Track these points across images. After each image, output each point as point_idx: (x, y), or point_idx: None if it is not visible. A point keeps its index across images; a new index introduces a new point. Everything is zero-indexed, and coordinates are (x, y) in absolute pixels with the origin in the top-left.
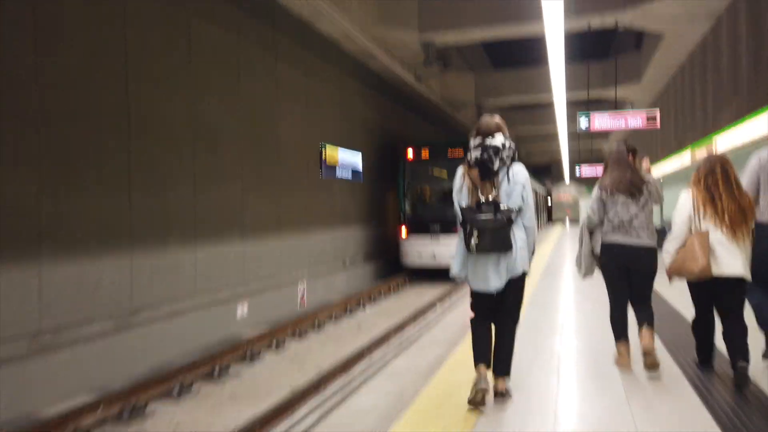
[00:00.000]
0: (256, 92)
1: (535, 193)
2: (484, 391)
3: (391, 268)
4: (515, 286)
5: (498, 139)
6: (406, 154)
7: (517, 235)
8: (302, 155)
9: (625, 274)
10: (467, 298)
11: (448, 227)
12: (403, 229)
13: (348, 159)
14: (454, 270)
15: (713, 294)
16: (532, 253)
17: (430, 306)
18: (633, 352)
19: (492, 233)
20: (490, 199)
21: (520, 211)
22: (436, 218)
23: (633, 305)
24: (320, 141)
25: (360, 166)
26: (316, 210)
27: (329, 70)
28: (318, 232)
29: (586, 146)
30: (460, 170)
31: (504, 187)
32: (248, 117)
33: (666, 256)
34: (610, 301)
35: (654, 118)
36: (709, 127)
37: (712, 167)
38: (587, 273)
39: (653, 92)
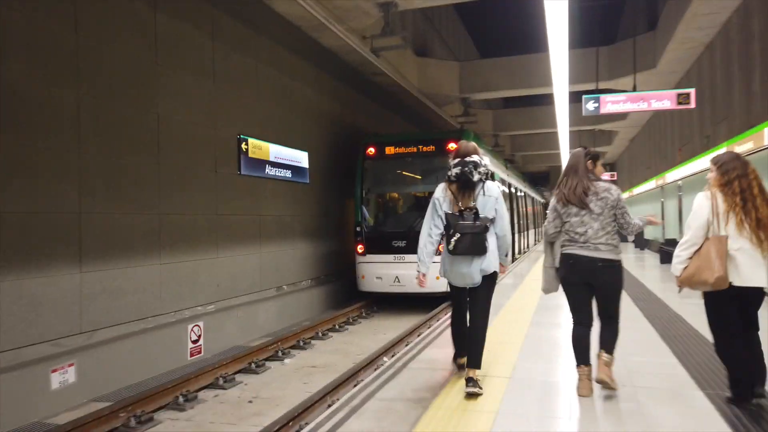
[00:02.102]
0: (115, 51)
1: (532, 201)
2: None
3: (350, 294)
4: (486, 284)
5: (475, 158)
6: (365, 149)
7: (490, 241)
8: (207, 146)
9: (586, 288)
10: (442, 339)
11: (416, 244)
12: (360, 245)
13: (287, 155)
14: (442, 272)
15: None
16: (506, 255)
17: (385, 352)
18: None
19: (471, 237)
20: (471, 206)
21: (493, 221)
22: (401, 232)
23: (600, 321)
24: (241, 130)
25: (305, 164)
26: (232, 220)
27: (257, 41)
28: (234, 250)
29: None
30: (442, 185)
31: (480, 199)
32: (97, 85)
33: (677, 263)
34: (572, 319)
35: (687, 97)
36: (759, 115)
37: (744, 167)
38: (549, 288)
39: (670, 80)
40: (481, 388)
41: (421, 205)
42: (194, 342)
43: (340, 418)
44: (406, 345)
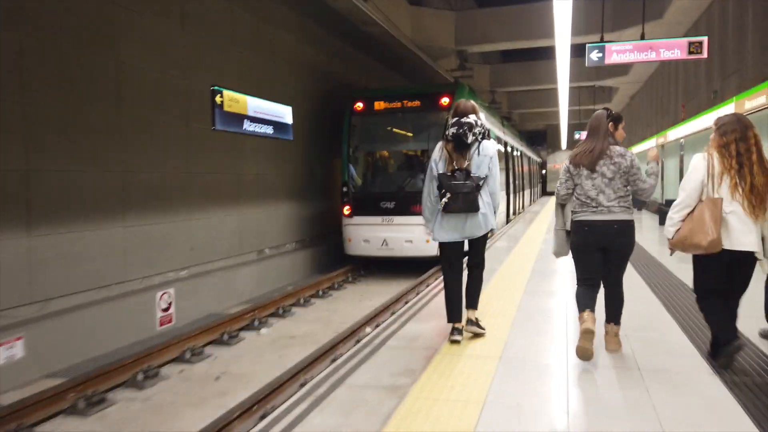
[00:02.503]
0: None
1: (528, 161)
2: (460, 333)
3: (338, 257)
4: (482, 240)
5: (471, 118)
6: (352, 104)
7: (484, 199)
8: (177, 98)
9: (598, 254)
10: (427, 311)
11: (406, 205)
12: (346, 206)
13: (268, 109)
14: (431, 231)
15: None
16: (495, 212)
17: (368, 322)
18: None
19: (463, 196)
20: (464, 168)
21: (486, 179)
22: (390, 193)
23: (604, 287)
24: (215, 81)
25: (289, 120)
26: (207, 179)
27: None
28: (209, 211)
29: (589, 106)
30: (440, 143)
31: (474, 159)
32: (42, 26)
33: (670, 225)
34: (578, 281)
35: (699, 46)
36: None
37: (744, 131)
38: (560, 252)
39: (678, 32)
40: (482, 328)
41: (411, 164)
42: (164, 310)
43: (302, 411)
44: (392, 314)
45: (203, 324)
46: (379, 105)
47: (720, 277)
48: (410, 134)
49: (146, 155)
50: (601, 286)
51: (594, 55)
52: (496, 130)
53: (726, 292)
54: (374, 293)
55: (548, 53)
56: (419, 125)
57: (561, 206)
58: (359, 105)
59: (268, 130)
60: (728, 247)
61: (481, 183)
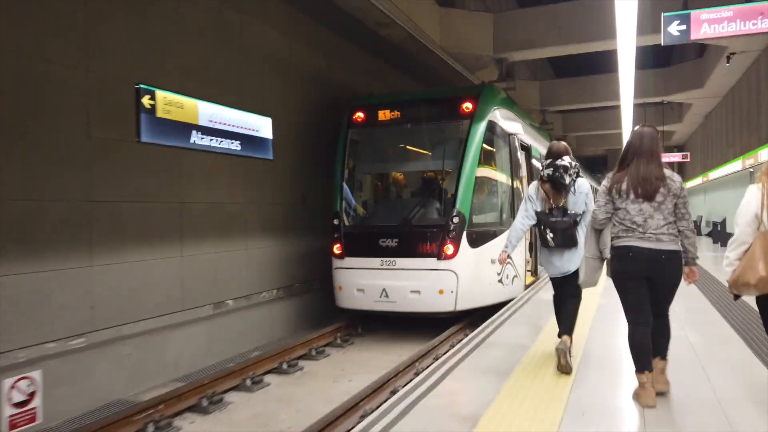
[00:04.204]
0: None
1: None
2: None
3: (336, 307)
4: (576, 272)
5: (566, 160)
6: (351, 115)
7: (581, 233)
8: (73, 97)
9: (645, 284)
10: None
11: (412, 244)
12: (337, 243)
13: (233, 120)
14: (508, 255)
15: None
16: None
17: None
18: None
19: (562, 232)
20: (560, 206)
21: (583, 214)
22: (393, 227)
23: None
24: (143, 77)
25: (267, 134)
26: (121, 209)
27: None
28: (125, 253)
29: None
30: (535, 183)
31: (570, 197)
32: None
33: (726, 265)
34: (629, 320)
35: None
36: None
37: None
38: (590, 282)
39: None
40: (570, 362)
41: (422, 189)
42: (19, 405)
43: None
44: (362, 417)
45: (78, 427)
46: (383, 115)
47: None
48: (422, 151)
49: (14, 176)
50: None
51: (674, 29)
52: (531, 140)
53: None
54: (363, 365)
55: (608, 66)
56: (435, 139)
57: (596, 231)
58: (359, 115)
59: (234, 145)
60: None
61: (578, 219)
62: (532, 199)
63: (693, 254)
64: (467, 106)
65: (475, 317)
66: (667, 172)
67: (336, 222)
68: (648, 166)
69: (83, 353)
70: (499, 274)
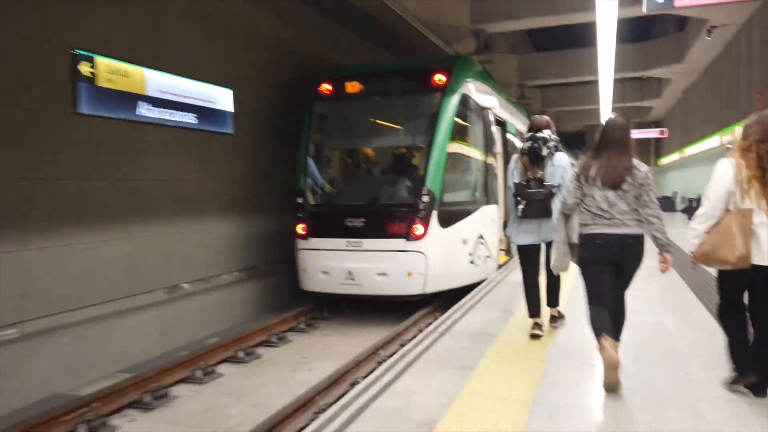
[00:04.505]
0: None
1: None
2: (540, 328)
3: (297, 290)
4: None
5: (546, 133)
6: (316, 87)
7: (556, 204)
8: None
9: (611, 269)
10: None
11: (380, 223)
12: (301, 223)
13: (187, 90)
14: (510, 234)
15: (748, 288)
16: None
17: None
18: None
19: (537, 203)
20: (537, 177)
21: (559, 187)
22: (360, 206)
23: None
24: (79, 41)
25: (227, 107)
26: (56, 188)
27: None
28: (69, 235)
29: (635, 103)
30: (515, 156)
31: (548, 169)
32: None
33: (693, 237)
34: (590, 302)
35: None
36: None
37: (765, 132)
38: (561, 267)
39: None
40: (563, 316)
41: (393, 165)
42: None
43: None
44: (317, 412)
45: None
46: (351, 87)
47: (742, 294)
48: (392, 125)
49: None
50: None
51: None
52: (505, 112)
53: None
54: (326, 352)
55: (588, 39)
56: (405, 113)
57: (565, 217)
58: (326, 87)
59: (189, 118)
60: (759, 262)
61: (554, 191)
62: (511, 171)
63: (662, 241)
64: (440, 78)
65: (446, 299)
66: (634, 161)
67: (300, 201)
68: (619, 157)
69: (14, 345)
70: (470, 255)
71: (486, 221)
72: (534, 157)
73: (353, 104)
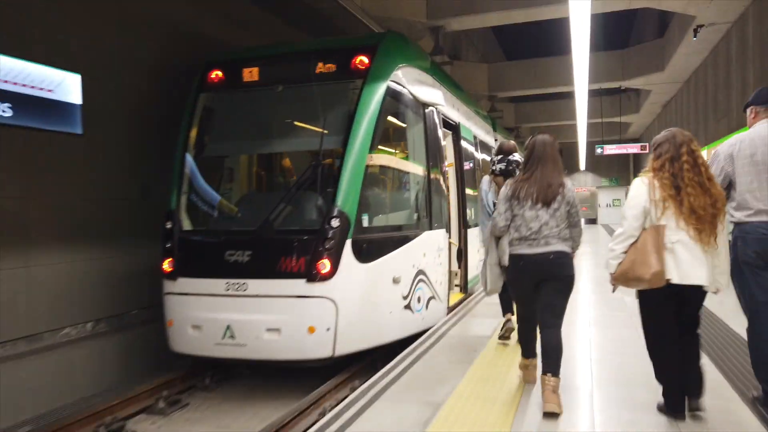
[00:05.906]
0: None
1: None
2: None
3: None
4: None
5: (517, 156)
6: (205, 74)
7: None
8: None
9: (535, 291)
10: None
11: (273, 257)
12: (168, 257)
13: (2, 71)
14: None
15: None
16: None
17: None
18: None
19: None
20: None
21: None
22: (247, 233)
23: (540, 330)
24: None
25: (71, 98)
26: None
27: None
28: None
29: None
30: (487, 178)
31: None
32: None
33: (611, 258)
34: (518, 318)
35: None
36: None
37: (678, 149)
38: (494, 289)
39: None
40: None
41: (298, 178)
42: None
43: None
44: None
45: None
46: (249, 74)
47: (668, 315)
48: (297, 124)
49: None
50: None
51: None
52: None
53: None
54: None
55: (562, 48)
56: (314, 107)
57: (496, 239)
58: (217, 74)
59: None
60: (676, 280)
61: None
62: (485, 192)
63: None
64: (361, 60)
65: (386, 350)
66: (569, 182)
67: (168, 225)
68: (552, 173)
69: None
70: (405, 298)
71: (429, 251)
72: (508, 178)
73: (248, 96)
